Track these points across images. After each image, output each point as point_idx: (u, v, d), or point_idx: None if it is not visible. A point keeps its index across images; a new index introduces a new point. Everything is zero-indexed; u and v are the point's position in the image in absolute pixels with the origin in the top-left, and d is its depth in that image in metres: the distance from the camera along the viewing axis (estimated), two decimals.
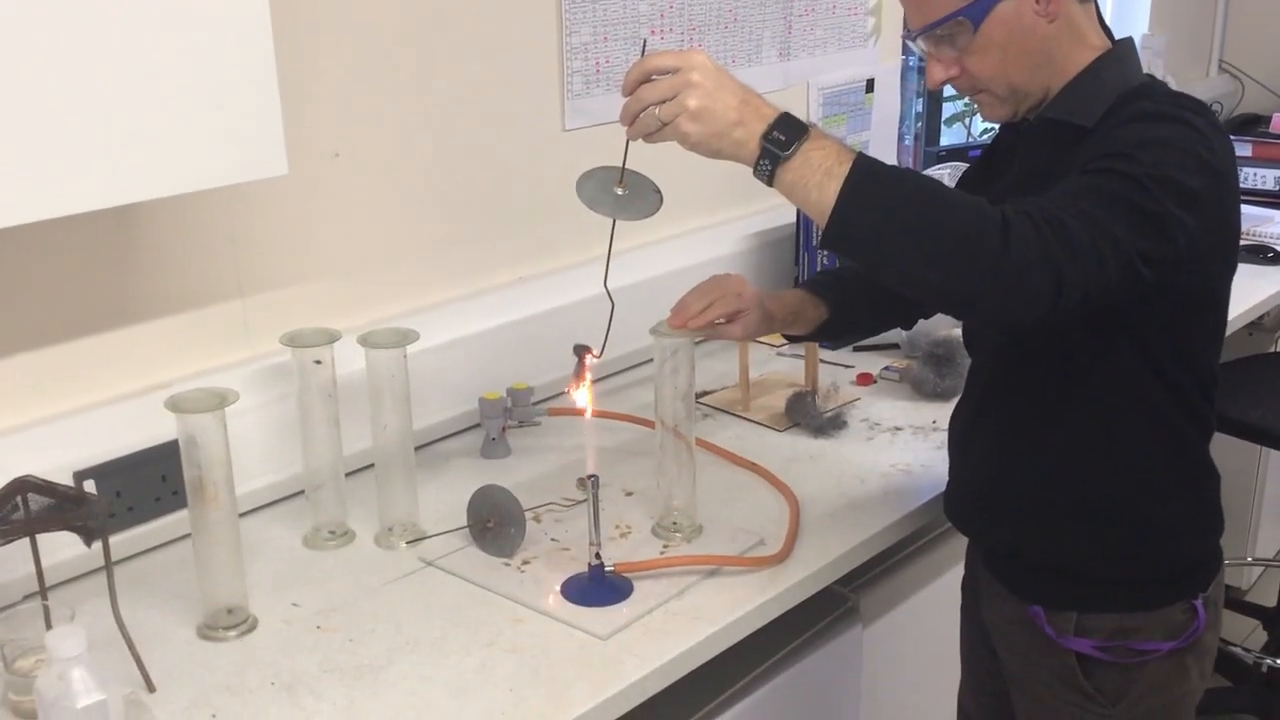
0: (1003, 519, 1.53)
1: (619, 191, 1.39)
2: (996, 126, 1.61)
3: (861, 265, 1.31)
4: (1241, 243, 1.50)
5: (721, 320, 1.62)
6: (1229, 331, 1.64)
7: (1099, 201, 1.25)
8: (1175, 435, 1.44)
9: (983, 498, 1.56)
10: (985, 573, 1.60)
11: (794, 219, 2.38)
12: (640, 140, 1.32)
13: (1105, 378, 1.41)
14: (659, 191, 1.41)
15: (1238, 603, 3.09)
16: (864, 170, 1.23)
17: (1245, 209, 1.48)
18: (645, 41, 1.32)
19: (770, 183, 1.27)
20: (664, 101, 1.27)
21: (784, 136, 1.25)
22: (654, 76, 1.29)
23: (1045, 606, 1.49)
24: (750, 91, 1.29)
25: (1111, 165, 1.28)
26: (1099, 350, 1.40)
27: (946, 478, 1.72)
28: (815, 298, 1.71)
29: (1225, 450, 1.53)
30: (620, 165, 1.37)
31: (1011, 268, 1.20)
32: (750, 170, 1.28)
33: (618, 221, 1.42)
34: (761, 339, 2.00)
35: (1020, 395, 1.48)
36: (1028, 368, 1.47)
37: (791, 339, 1.82)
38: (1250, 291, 2.57)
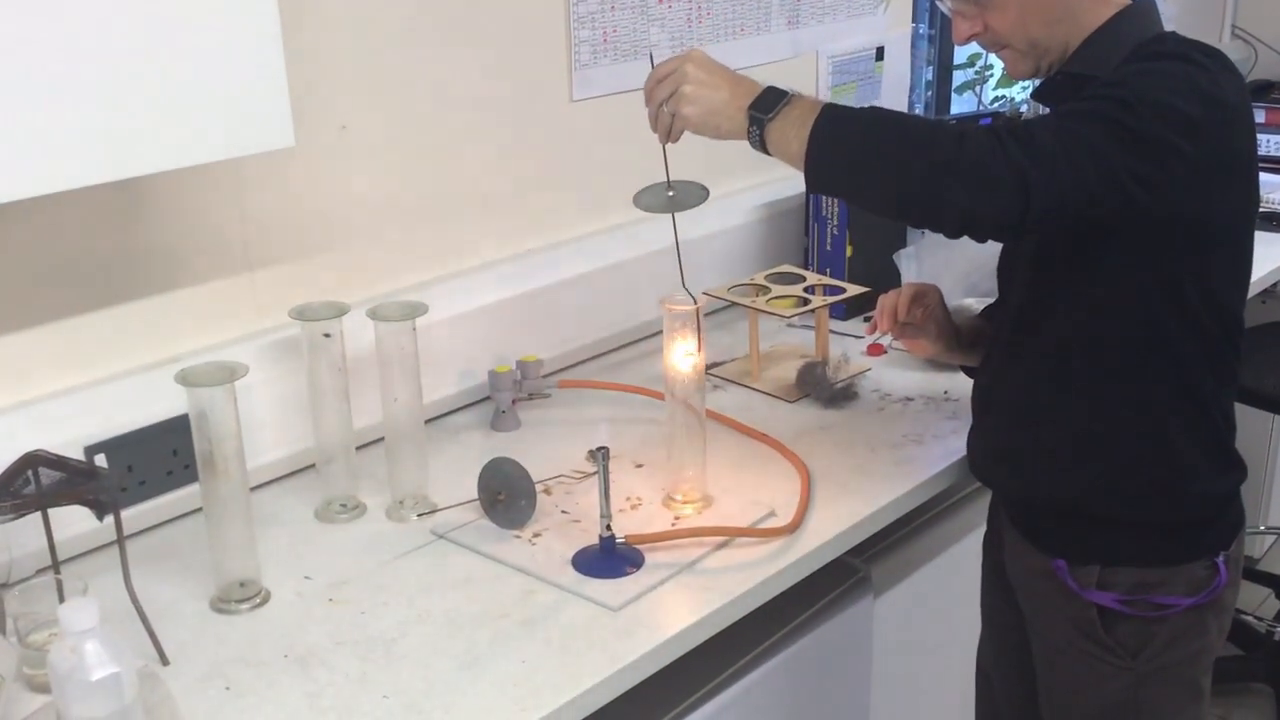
0: (1027, 467, 1.55)
1: (670, 194, 1.54)
2: (1006, 94, 1.62)
3: (844, 200, 1.40)
4: None
5: (914, 321, 1.69)
6: None
7: (1079, 119, 1.32)
8: (1197, 379, 1.45)
9: (1007, 448, 1.58)
10: (1009, 527, 1.62)
11: (803, 189, 2.37)
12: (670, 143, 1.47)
13: (1130, 322, 1.42)
14: (705, 188, 1.55)
15: (1250, 571, 3.09)
16: (829, 114, 1.37)
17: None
18: (651, 54, 1.45)
19: (764, 149, 1.40)
20: (670, 97, 1.43)
21: (766, 103, 1.39)
22: (662, 81, 1.44)
23: (1068, 560, 1.51)
24: (743, 77, 1.43)
25: (1102, 92, 1.34)
26: (1124, 294, 1.41)
27: (957, 448, 1.73)
28: (988, 321, 1.75)
29: (1237, 418, 1.54)
30: (666, 177, 1.53)
31: (966, 168, 1.28)
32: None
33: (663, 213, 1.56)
34: (783, 314, 2.01)
35: (1045, 342, 1.50)
36: (1053, 314, 1.48)
37: (973, 374, 1.80)
38: (1262, 259, 2.51)
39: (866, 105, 2.65)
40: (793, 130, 1.36)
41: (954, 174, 1.29)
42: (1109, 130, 1.30)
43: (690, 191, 1.55)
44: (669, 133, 1.45)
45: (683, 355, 1.56)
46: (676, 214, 1.54)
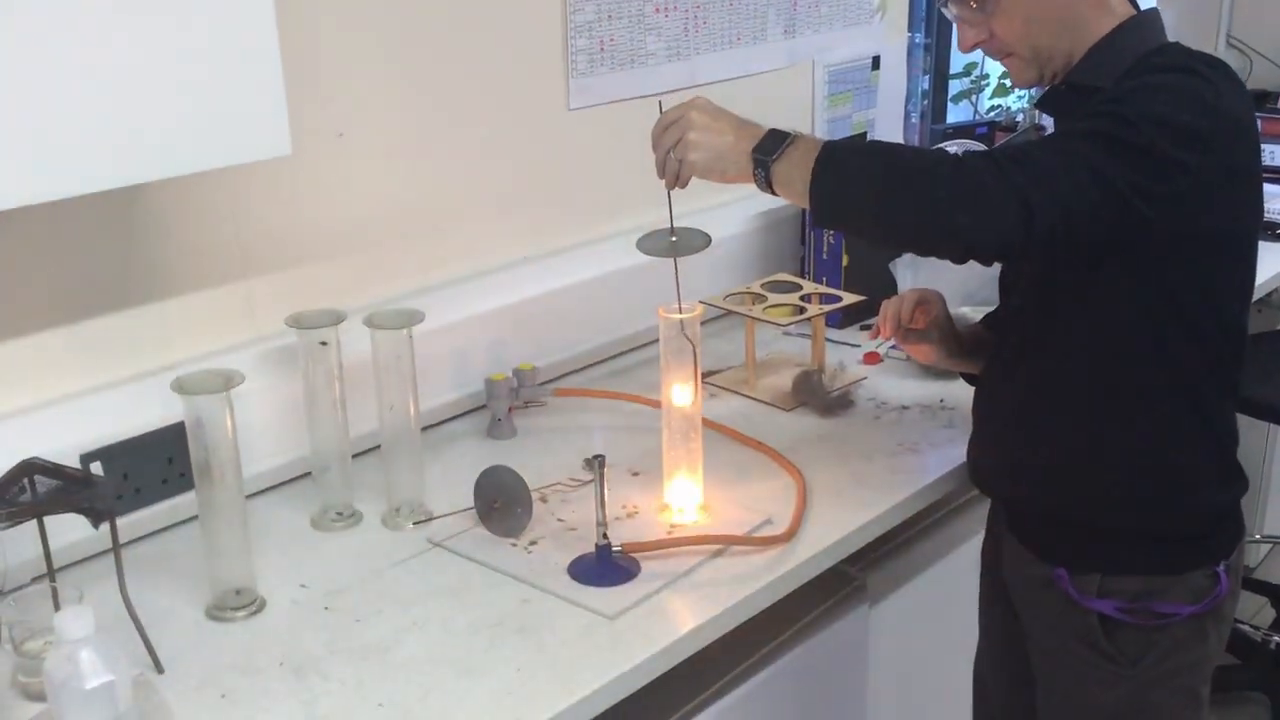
0: (1028, 478, 1.55)
1: (673, 239, 1.56)
2: (1002, 104, 1.62)
3: (852, 233, 1.41)
4: None
5: (917, 326, 1.69)
6: None
7: (1080, 138, 1.32)
8: (1200, 391, 1.45)
9: (1008, 458, 1.58)
10: (1009, 536, 1.62)
11: None
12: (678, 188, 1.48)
13: (1133, 333, 1.42)
14: (707, 235, 1.57)
15: (1246, 580, 3.07)
16: (828, 151, 1.38)
17: None
18: (660, 102, 1.52)
19: (770, 189, 1.42)
20: (676, 144, 1.44)
21: (769, 146, 1.40)
22: (667, 128, 1.45)
23: (1069, 568, 1.51)
24: (747, 122, 1.45)
25: (1102, 109, 1.34)
26: (1127, 305, 1.41)
27: (953, 456, 1.73)
28: (988, 329, 1.75)
29: None
30: (670, 223, 1.55)
31: (966, 195, 1.29)
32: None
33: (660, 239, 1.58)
34: (779, 323, 2.01)
35: (1047, 353, 1.50)
36: (1055, 325, 1.48)
37: (973, 381, 1.78)
38: (1259, 269, 2.55)
39: (864, 120, 2.67)
40: (796, 171, 1.38)
41: (954, 202, 1.30)
42: (1111, 148, 1.29)
43: (693, 237, 1.56)
44: (676, 178, 1.46)
45: (680, 376, 1.56)
46: (678, 258, 1.55)
